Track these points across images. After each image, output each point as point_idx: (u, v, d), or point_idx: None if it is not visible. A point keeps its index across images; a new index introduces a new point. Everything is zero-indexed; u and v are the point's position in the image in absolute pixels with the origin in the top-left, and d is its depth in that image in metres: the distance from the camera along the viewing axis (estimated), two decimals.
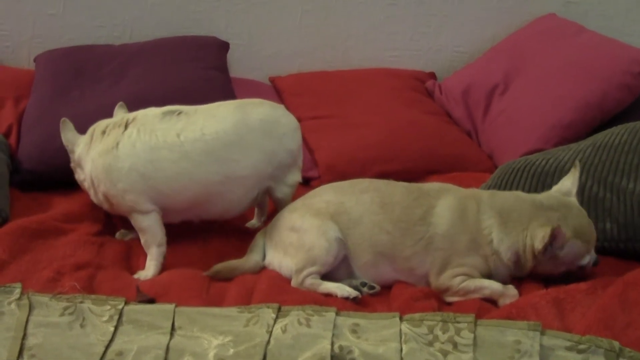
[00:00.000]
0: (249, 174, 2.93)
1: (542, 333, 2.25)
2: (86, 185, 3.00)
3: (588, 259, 2.71)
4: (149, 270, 2.83)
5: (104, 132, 2.92)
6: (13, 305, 2.35)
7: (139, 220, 2.89)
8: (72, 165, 3.06)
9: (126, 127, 2.89)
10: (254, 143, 2.92)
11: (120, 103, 3.15)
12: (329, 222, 2.72)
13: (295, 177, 3.08)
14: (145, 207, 2.87)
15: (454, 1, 4.52)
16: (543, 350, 2.21)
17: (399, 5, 4.51)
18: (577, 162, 2.86)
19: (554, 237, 2.60)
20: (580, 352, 2.20)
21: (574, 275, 2.72)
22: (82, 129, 3.03)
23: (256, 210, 3.22)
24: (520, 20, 4.50)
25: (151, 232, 2.88)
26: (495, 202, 2.78)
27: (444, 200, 2.76)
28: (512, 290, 2.63)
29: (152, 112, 2.95)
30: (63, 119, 3.03)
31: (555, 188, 2.84)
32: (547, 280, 2.73)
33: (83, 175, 2.99)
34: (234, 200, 2.97)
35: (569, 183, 2.82)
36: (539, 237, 2.63)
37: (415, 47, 4.58)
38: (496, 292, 2.64)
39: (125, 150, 2.84)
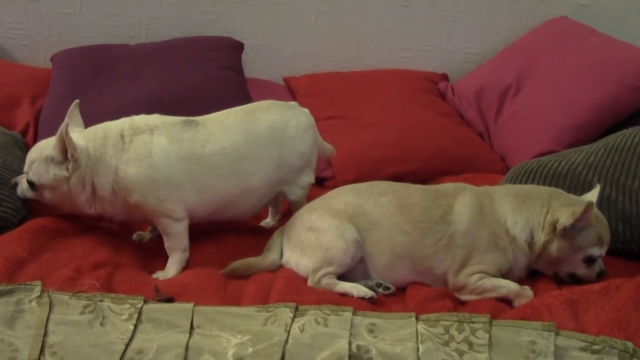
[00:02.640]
0: (262, 184, 2.95)
1: (557, 333, 2.27)
2: (83, 197, 2.84)
3: (598, 252, 2.75)
4: (169, 271, 2.84)
5: (122, 137, 2.84)
6: (34, 303, 2.36)
7: (169, 226, 2.88)
8: (57, 176, 2.83)
9: (151, 134, 2.85)
10: (265, 153, 2.94)
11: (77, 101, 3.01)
12: (347, 223, 2.73)
13: (308, 178, 3.09)
14: (180, 214, 2.86)
15: (467, 3, 4.55)
16: (557, 351, 2.22)
17: (412, 6, 4.54)
18: (597, 185, 2.89)
19: (584, 213, 2.64)
20: (594, 352, 2.22)
21: (579, 275, 2.77)
22: None
23: (270, 209, 3.24)
24: (532, 23, 4.52)
25: (178, 238, 2.88)
26: (510, 190, 2.86)
27: (462, 199, 2.79)
28: (528, 291, 2.65)
29: (171, 120, 2.92)
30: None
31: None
32: (561, 281, 2.77)
33: (80, 187, 2.82)
34: (247, 208, 3.01)
35: (589, 194, 2.86)
36: (565, 213, 2.68)
37: (427, 49, 4.61)
38: (512, 292, 2.66)
39: (160, 160, 2.81)
